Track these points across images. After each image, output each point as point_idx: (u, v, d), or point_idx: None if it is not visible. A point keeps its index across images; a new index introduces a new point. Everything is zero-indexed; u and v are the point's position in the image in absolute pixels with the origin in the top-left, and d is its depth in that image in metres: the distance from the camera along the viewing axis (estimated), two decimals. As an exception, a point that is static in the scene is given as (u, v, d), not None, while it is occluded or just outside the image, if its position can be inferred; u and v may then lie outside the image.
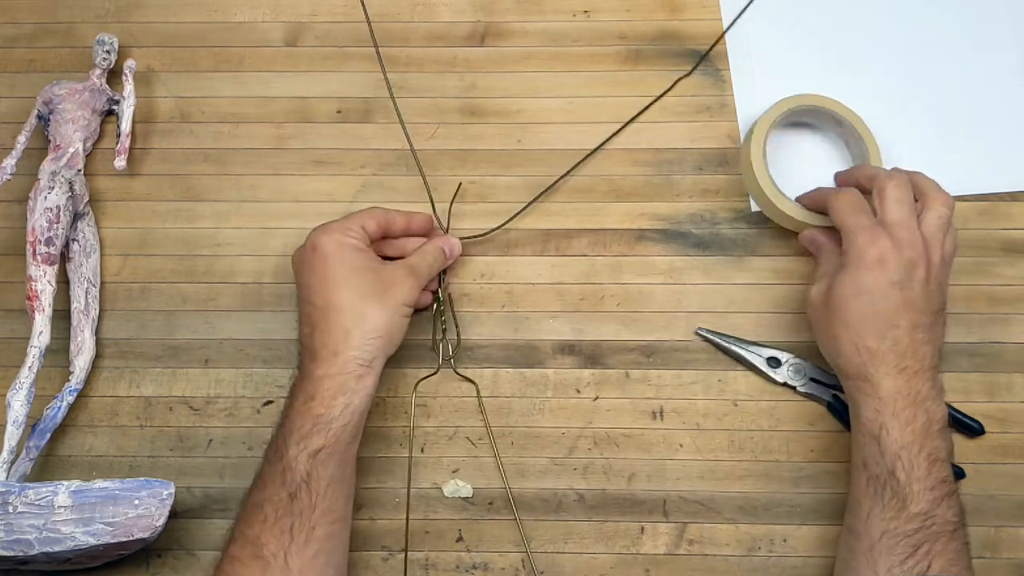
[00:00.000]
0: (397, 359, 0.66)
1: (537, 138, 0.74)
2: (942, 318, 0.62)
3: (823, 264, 0.65)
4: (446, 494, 0.67)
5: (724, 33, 0.76)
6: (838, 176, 0.69)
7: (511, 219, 0.71)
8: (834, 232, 0.64)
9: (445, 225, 0.71)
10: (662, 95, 0.74)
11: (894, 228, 0.61)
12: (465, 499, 0.67)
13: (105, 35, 0.74)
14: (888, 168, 0.66)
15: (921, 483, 0.57)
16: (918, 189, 0.63)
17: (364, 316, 0.61)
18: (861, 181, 0.66)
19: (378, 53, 0.74)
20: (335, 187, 0.73)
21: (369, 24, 0.74)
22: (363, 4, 0.74)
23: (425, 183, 0.71)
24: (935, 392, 0.60)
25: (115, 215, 0.73)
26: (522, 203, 0.72)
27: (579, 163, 0.72)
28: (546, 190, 0.72)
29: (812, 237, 0.67)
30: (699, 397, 0.68)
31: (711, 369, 0.69)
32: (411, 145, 0.72)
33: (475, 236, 0.71)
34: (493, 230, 0.71)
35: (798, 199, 0.69)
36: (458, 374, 0.69)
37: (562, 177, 0.72)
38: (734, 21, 0.76)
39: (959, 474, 0.66)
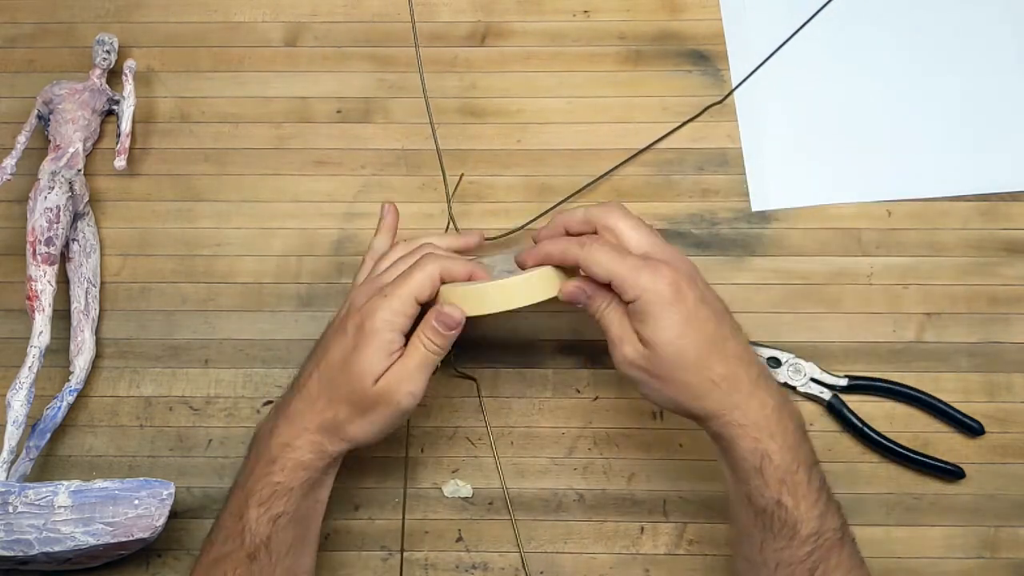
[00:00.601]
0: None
1: (537, 138, 0.74)
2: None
3: (613, 321, 0.57)
4: (446, 494, 0.67)
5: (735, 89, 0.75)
6: (543, 232, 0.61)
7: (538, 217, 0.71)
8: (587, 280, 0.58)
9: (448, 219, 0.71)
10: (720, 101, 0.74)
11: (655, 252, 0.57)
12: (465, 499, 0.67)
13: (105, 35, 0.74)
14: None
15: (806, 501, 0.54)
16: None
17: (348, 421, 0.58)
18: (574, 227, 0.59)
19: (418, 54, 0.74)
20: (335, 187, 0.73)
21: (413, 24, 0.74)
22: (410, 4, 0.74)
23: (444, 177, 0.71)
24: (773, 383, 0.56)
25: (115, 215, 0.73)
26: (522, 203, 0.72)
27: (633, 156, 0.73)
28: (594, 181, 0.72)
29: (579, 288, 0.58)
30: (699, 397, 0.68)
31: (711, 369, 0.69)
32: (437, 144, 0.72)
33: (500, 236, 0.71)
34: (518, 228, 0.71)
35: (520, 259, 0.60)
36: (458, 372, 0.69)
37: (608, 172, 0.72)
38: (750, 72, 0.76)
39: (959, 473, 0.66)
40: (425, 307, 0.59)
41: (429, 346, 0.58)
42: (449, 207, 0.71)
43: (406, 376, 0.58)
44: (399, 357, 0.58)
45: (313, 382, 0.58)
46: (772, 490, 0.54)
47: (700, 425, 0.57)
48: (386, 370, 0.57)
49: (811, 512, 0.54)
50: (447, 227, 0.71)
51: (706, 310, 0.56)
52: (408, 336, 0.58)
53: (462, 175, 0.72)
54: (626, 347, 0.56)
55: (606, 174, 0.72)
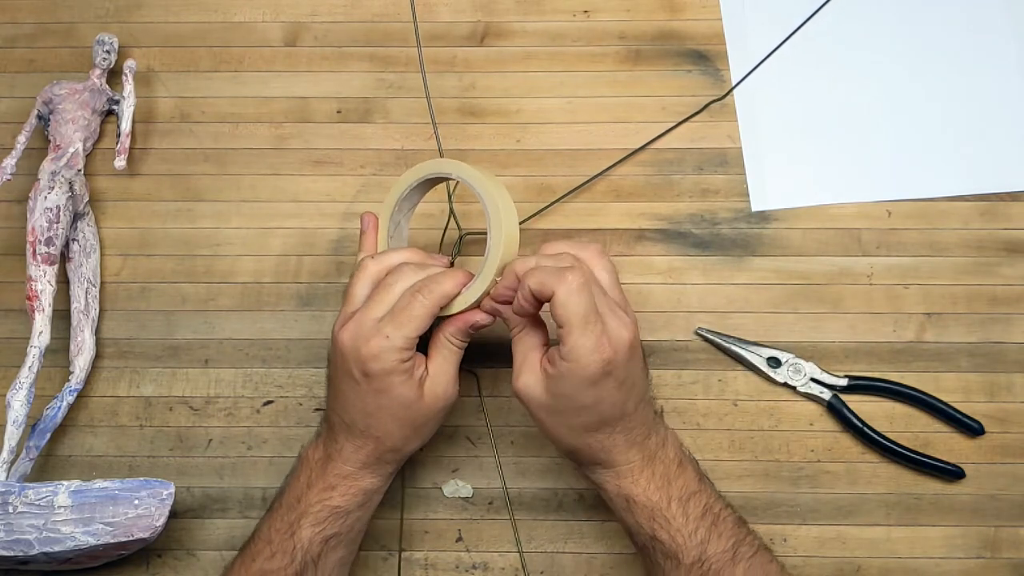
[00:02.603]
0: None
1: (536, 138, 0.74)
2: (636, 355, 0.57)
3: (519, 349, 0.58)
4: (446, 494, 0.67)
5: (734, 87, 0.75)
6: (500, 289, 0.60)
7: (553, 203, 0.72)
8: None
9: (448, 216, 0.71)
10: (720, 98, 0.74)
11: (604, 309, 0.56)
12: (465, 499, 0.67)
13: (105, 35, 0.74)
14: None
15: (682, 533, 0.56)
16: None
17: (406, 443, 0.60)
18: (533, 289, 0.57)
19: (420, 54, 0.74)
20: (335, 187, 0.73)
21: (415, 24, 0.74)
22: (412, 5, 0.74)
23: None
24: (662, 433, 0.58)
25: (115, 215, 0.73)
26: (522, 203, 0.72)
27: (631, 155, 0.73)
28: (589, 180, 0.72)
29: (495, 310, 0.59)
30: (699, 397, 0.68)
31: (711, 369, 0.69)
32: (438, 141, 0.72)
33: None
34: (540, 210, 0.72)
35: (495, 296, 0.59)
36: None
37: (604, 172, 0.72)
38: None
39: (959, 473, 0.66)
40: None
41: (456, 344, 0.60)
42: (451, 203, 0.71)
43: (445, 379, 0.60)
44: (423, 369, 0.59)
45: (354, 428, 0.59)
46: (645, 527, 0.57)
47: (577, 468, 0.60)
48: (421, 390, 0.59)
49: (690, 541, 0.56)
50: (446, 224, 0.71)
51: (621, 376, 0.56)
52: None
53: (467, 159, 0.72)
54: (526, 376, 0.58)
55: (601, 173, 0.72)
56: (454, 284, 0.59)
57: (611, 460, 0.58)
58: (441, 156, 0.71)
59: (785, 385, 0.68)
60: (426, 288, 0.58)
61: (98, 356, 0.69)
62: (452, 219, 0.71)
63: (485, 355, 0.69)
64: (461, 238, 0.70)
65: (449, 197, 0.71)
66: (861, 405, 0.67)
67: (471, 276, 0.60)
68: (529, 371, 0.58)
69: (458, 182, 0.62)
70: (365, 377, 0.58)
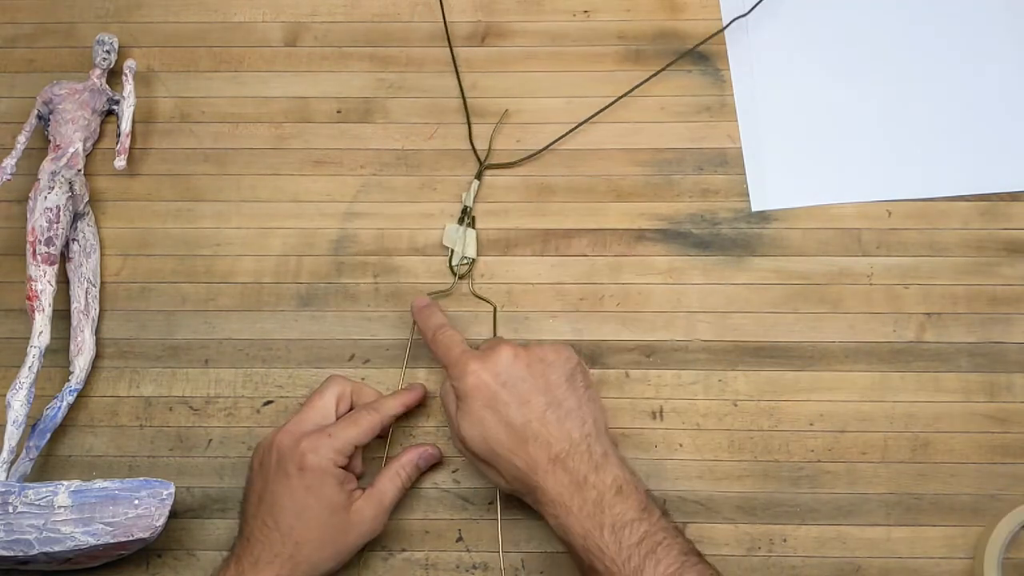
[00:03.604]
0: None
1: (536, 138, 0.73)
2: (572, 387, 0.60)
3: (450, 410, 0.62)
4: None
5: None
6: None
7: (553, 143, 0.73)
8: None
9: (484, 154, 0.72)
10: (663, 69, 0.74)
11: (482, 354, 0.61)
12: (465, 499, 0.67)
13: (105, 35, 0.74)
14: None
15: (615, 561, 0.55)
16: None
17: (322, 559, 0.60)
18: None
19: (452, 52, 0.74)
20: (335, 187, 0.73)
21: (446, 26, 0.75)
22: (441, 5, 0.74)
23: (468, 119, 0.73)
24: (597, 460, 0.58)
25: (115, 215, 0.73)
26: (522, 203, 0.72)
27: (603, 109, 0.74)
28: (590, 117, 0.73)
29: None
30: (699, 397, 0.68)
31: (711, 369, 0.69)
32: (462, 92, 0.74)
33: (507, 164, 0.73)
34: (532, 155, 0.73)
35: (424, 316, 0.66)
36: (477, 295, 0.70)
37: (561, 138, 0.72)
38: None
39: None
40: None
41: (406, 481, 0.64)
42: (489, 142, 0.71)
43: (377, 508, 0.62)
44: (357, 491, 0.62)
45: (276, 532, 0.59)
46: (581, 556, 0.57)
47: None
48: (350, 501, 0.61)
49: (624, 569, 0.55)
50: (485, 158, 0.71)
51: (507, 396, 0.59)
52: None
53: (506, 111, 0.74)
54: (454, 431, 0.62)
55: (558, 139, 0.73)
56: (400, 403, 0.65)
57: (540, 481, 0.58)
58: (475, 153, 0.73)
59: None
60: (375, 404, 0.64)
61: (98, 356, 0.69)
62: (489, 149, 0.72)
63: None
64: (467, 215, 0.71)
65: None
66: (861, 405, 0.68)
67: (422, 396, 0.67)
68: (454, 427, 0.61)
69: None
70: (300, 471, 0.60)
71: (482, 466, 0.62)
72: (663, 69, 0.75)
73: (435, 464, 0.67)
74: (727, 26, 0.75)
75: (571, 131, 0.73)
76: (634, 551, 0.55)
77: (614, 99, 0.73)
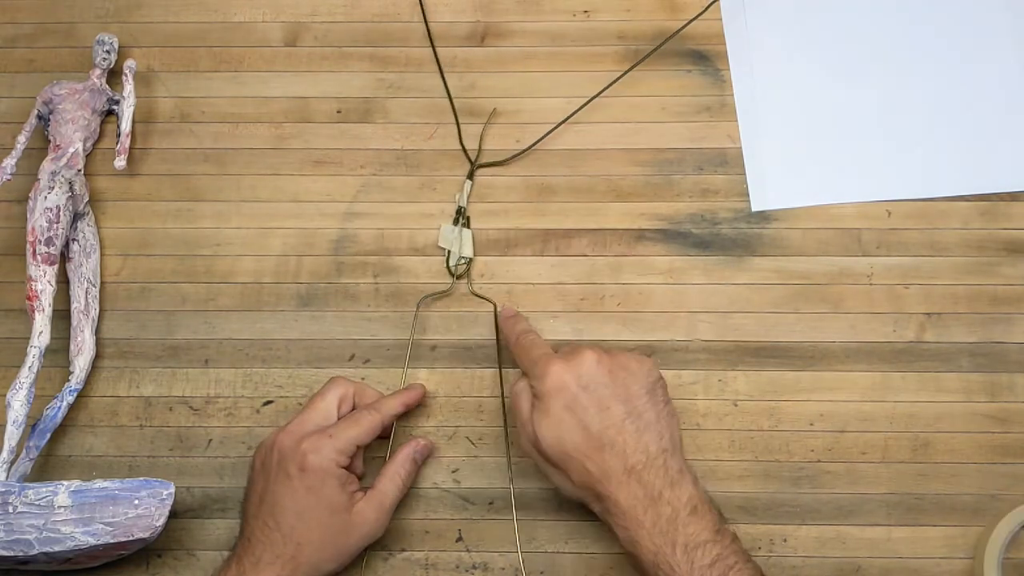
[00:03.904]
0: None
1: (536, 138, 0.73)
2: (652, 400, 0.60)
3: (523, 409, 0.61)
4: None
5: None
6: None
7: (539, 140, 0.73)
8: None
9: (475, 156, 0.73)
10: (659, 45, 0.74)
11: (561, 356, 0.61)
12: (465, 499, 0.67)
13: (105, 35, 0.74)
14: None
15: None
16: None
17: (323, 559, 0.60)
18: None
19: (435, 51, 0.75)
20: (335, 187, 0.73)
21: (426, 24, 0.74)
22: (421, 5, 0.74)
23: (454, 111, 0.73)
24: (673, 476, 0.58)
25: (115, 215, 0.73)
26: (522, 203, 0.72)
27: (590, 100, 0.73)
28: (584, 103, 0.72)
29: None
30: (699, 397, 0.68)
31: (711, 369, 0.69)
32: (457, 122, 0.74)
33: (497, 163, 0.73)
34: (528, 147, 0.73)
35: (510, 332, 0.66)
36: (476, 293, 0.70)
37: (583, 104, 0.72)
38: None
39: None
40: None
41: (406, 479, 0.64)
42: (479, 139, 0.71)
43: (384, 513, 0.62)
44: (359, 492, 0.62)
45: (278, 532, 0.59)
46: (649, 571, 0.56)
47: (592, 508, 0.60)
48: (352, 502, 0.61)
49: None
50: (476, 158, 0.71)
51: (587, 400, 0.59)
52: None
53: (494, 109, 0.74)
54: (526, 431, 0.61)
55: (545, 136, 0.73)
56: (401, 403, 0.65)
57: (616, 488, 0.57)
58: (465, 153, 0.73)
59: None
60: (375, 404, 0.64)
61: (98, 356, 0.69)
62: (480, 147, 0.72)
63: (485, 356, 0.69)
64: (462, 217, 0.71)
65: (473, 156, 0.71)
66: (861, 405, 0.68)
67: (422, 395, 0.67)
68: (527, 426, 0.61)
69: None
70: (301, 472, 0.60)
71: (550, 469, 0.61)
72: (640, 62, 0.75)
73: (429, 456, 0.67)
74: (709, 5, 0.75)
75: (555, 128, 0.73)
76: (706, 572, 0.55)
77: (590, 97, 0.73)
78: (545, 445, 0.59)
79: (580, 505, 0.66)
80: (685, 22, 0.75)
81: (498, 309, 0.68)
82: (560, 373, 0.59)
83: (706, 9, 0.75)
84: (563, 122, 0.73)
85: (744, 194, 0.72)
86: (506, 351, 0.69)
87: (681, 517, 0.56)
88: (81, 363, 0.68)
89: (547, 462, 0.61)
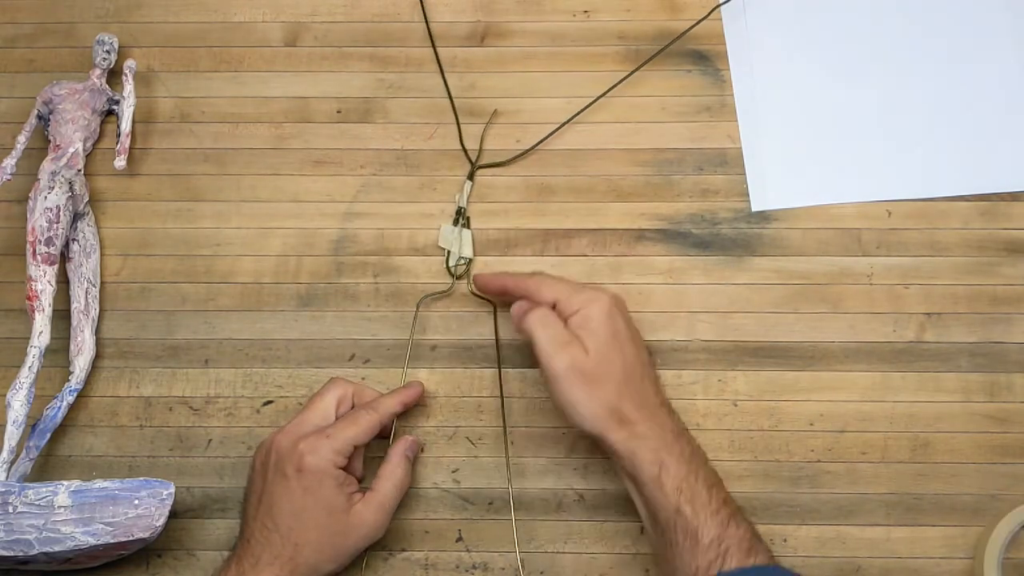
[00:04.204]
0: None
1: (536, 138, 0.73)
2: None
3: (543, 335, 0.61)
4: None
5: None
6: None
7: (540, 142, 0.73)
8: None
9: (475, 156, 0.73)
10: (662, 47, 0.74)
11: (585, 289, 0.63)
12: (465, 499, 0.67)
13: (105, 35, 0.74)
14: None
15: (706, 509, 0.57)
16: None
17: (321, 560, 0.60)
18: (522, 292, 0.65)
19: (435, 50, 0.74)
20: (335, 187, 0.73)
21: (428, 25, 0.74)
22: (422, 4, 0.74)
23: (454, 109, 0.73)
24: (674, 413, 0.62)
25: (115, 215, 0.73)
26: (522, 203, 0.72)
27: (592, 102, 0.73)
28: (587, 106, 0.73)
29: (519, 306, 0.64)
30: (699, 397, 0.68)
31: (711, 369, 0.69)
32: (457, 121, 0.74)
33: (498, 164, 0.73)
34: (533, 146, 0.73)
35: (479, 283, 0.68)
36: (475, 294, 0.69)
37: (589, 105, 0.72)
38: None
39: None
40: None
41: (404, 479, 0.64)
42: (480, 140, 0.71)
43: (383, 514, 0.62)
44: (357, 494, 0.62)
45: (276, 533, 0.60)
46: (671, 499, 0.57)
47: (606, 442, 0.60)
48: (350, 503, 0.61)
49: (711, 520, 0.56)
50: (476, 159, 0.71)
51: (628, 332, 0.62)
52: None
53: (495, 111, 0.74)
54: (560, 357, 0.60)
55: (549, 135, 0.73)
56: (399, 402, 0.65)
57: (650, 416, 0.59)
58: (466, 154, 0.73)
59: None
60: (373, 403, 0.64)
61: (98, 356, 0.69)
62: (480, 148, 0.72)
63: (485, 356, 0.69)
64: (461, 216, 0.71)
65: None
66: (861, 405, 0.68)
67: (420, 394, 0.67)
68: (562, 349, 0.60)
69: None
70: (298, 473, 0.60)
71: (577, 392, 0.60)
72: (647, 61, 0.75)
73: (420, 451, 0.67)
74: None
75: (558, 128, 0.73)
76: (722, 509, 0.57)
77: (595, 97, 0.73)
78: (590, 366, 0.59)
79: (580, 504, 0.66)
80: (690, 23, 0.75)
81: (473, 278, 0.69)
82: (608, 305, 0.61)
83: (711, 12, 0.75)
84: (567, 122, 0.73)
85: (744, 194, 0.72)
86: (506, 351, 0.69)
87: (699, 458, 0.60)
88: (81, 363, 0.68)
89: (579, 382, 0.60)
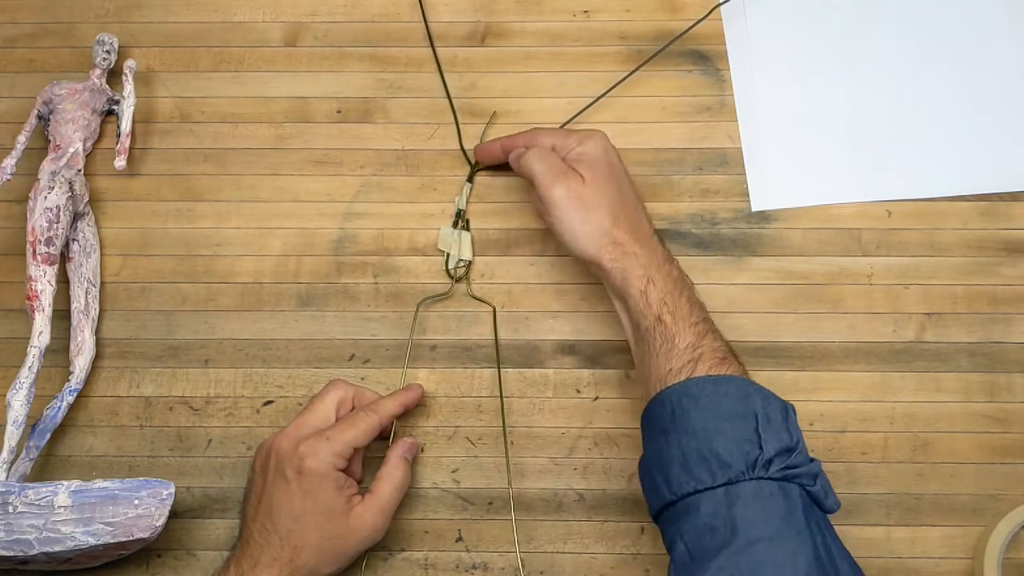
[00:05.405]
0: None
1: (537, 138, 0.73)
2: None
3: (539, 169, 0.64)
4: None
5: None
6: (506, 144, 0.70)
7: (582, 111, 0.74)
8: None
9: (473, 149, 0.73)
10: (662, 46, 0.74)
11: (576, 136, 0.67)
12: (465, 499, 0.67)
13: (105, 35, 0.74)
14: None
15: (685, 321, 0.59)
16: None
17: (320, 563, 0.60)
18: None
19: (434, 49, 0.74)
20: (335, 187, 0.73)
21: (427, 26, 0.74)
22: (421, 5, 0.74)
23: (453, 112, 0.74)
24: (663, 242, 0.65)
25: (115, 215, 0.73)
26: (522, 203, 0.72)
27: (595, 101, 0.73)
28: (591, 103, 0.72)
29: (502, 146, 0.70)
30: (699, 397, 0.68)
31: (711, 369, 0.69)
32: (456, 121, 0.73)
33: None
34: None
35: (478, 153, 0.72)
36: (474, 296, 0.69)
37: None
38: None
39: None
40: None
41: (403, 481, 0.63)
42: (481, 137, 0.71)
43: (383, 516, 0.62)
44: (357, 496, 0.62)
45: (275, 535, 0.60)
46: (654, 309, 0.60)
47: (600, 264, 0.62)
48: (349, 506, 0.61)
49: (689, 330, 0.59)
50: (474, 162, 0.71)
51: (622, 167, 0.66)
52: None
53: (494, 112, 0.74)
54: (559, 185, 0.63)
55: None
56: (398, 403, 0.65)
57: (643, 241, 0.62)
58: (465, 155, 0.73)
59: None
60: (373, 405, 0.64)
61: (98, 356, 0.69)
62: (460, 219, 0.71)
63: (485, 356, 0.69)
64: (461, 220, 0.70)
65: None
66: (861, 405, 0.68)
67: (420, 395, 0.67)
68: (559, 180, 0.63)
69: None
70: (298, 475, 0.60)
71: (573, 215, 0.63)
72: (647, 61, 0.75)
73: (418, 453, 0.67)
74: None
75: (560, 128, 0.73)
76: (701, 323, 0.60)
77: (596, 97, 0.73)
78: (587, 193, 0.63)
79: (580, 504, 0.66)
80: (690, 23, 0.75)
81: (474, 150, 0.72)
82: (604, 141, 0.65)
83: (711, 12, 0.75)
84: (567, 122, 0.73)
85: (744, 194, 0.72)
86: (506, 351, 0.69)
87: (685, 282, 0.63)
88: (81, 363, 0.68)
89: (576, 208, 0.63)
